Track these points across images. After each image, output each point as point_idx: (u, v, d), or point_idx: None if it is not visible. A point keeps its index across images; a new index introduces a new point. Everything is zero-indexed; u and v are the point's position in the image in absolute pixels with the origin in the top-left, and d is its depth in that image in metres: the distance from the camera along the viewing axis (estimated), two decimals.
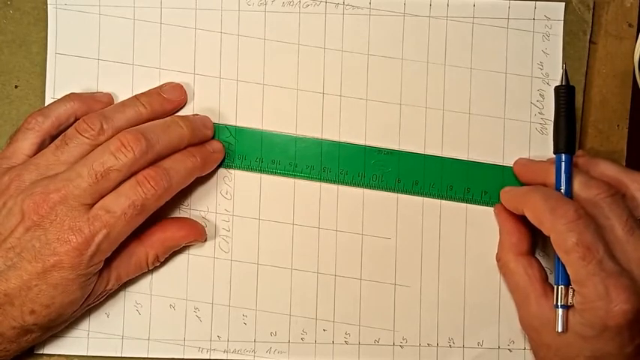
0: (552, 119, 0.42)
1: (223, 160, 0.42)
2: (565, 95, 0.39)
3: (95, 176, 0.36)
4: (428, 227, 0.42)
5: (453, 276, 0.42)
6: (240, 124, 0.42)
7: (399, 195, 0.42)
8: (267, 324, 0.42)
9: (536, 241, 0.41)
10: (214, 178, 0.42)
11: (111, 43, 0.42)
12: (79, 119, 0.39)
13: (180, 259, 0.42)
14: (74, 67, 0.42)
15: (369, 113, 0.42)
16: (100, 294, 0.39)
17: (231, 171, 0.42)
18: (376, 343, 0.42)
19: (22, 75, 0.43)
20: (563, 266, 0.36)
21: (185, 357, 0.42)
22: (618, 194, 0.36)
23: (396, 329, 0.42)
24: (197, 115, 0.41)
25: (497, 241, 0.41)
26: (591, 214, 0.36)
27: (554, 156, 0.39)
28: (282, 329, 0.42)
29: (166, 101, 0.41)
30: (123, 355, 0.42)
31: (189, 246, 0.42)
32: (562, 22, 0.42)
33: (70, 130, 0.38)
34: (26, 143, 0.39)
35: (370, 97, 0.42)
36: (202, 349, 0.42)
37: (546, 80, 0.42)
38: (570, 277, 0.35)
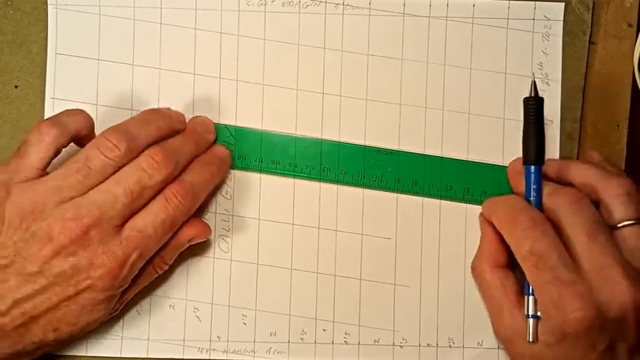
0: (552, 119, 0.42)
1: None
2: (534, 107, 0.39)
3: (131, 196, 0.36)
4: (428, 227, 0.42)
5: (453, 276, 0.42)
6: (240, 124, 0.42)
7: (399, 195, 0.42)
8: (267, 324, 0.42)
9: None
10: None
11: (111, 43, 0.42)
12: (90, 130, 0.38)
13: (180, 259, 0.42)
14: (74, 67, 0.42)
15: (369, 113, 0.42)
16: (114, 308, 0.39)
17: (231, 171, 0.42)
18: (376, 343, 0.42)
19: (22, 75, 0.43)
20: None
21: (185, 357, 0.42)
22: (583, 200, 0.36)
23: (395, 329, 0.42)
24: (199, 117, 0.41)
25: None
26: (555, 221, 0.36)
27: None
28: (281, 329, 0.42)
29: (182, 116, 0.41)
30: (122, 356, 0.42)
31: (194, 245, 0.41)
32: (562, 22, 0.42)
33: (93, 152, 0.36)
34: (38, 156, 0.37)
35: (370, 97, 0.42)
36: (202, 349, 0.42)
37: (546, 80, 0.42)
38: (530, 283, 0.36)
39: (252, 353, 0.42)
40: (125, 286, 0.37)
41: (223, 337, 0.42)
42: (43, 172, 0.37)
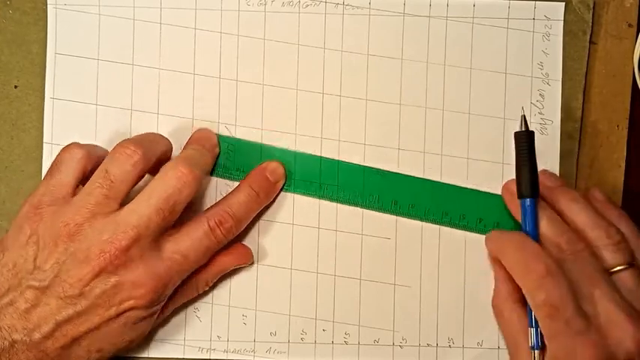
0: (552, 119, 0.42)
1: (224, 173, 0.42)
2: (525, 141, 0.39)
3: (163, 214, 0.36)
4: (428, 227, 0.42)
5: (453, 276, 0.42)
6: (240, 123, 0.42)
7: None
8: (267, 324, 0.42)
9: None
10: (214, 183, 0.42)
11: (111, 43, 0.42)
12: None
13: None
14: (74, 67, 0.42)
15: (369, 113, 0.42)
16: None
17: (231, 182, 0.42)
18: (376, 343, 0.42)
19: (22, 75, 0.43)
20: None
21: (185, 357, 0.42)
22: (585, 250, 0.37)
23: (395, 329, 0.42)
24: (202, 130, 0.41)
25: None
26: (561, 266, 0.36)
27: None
28: (281, 329, 0.42)
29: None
30: (123, 355, 0.42)
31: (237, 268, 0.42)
32: (562, 22, 0.42)
33: (111, 163, 0.36)
34: (70, 174, 0.37)
35: (370, 97, 0.42)
36: (202, 349, 0.42)
37: (546, 80, 0.42)
38: (542, 332, 0.36)
39: (252, 353, 0.42)
40: (163, 303, 0.38)
41: (223, 337, 0.42)
42: (75, 191, 0.37)
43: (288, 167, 0.42)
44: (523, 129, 0.39)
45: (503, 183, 0.41)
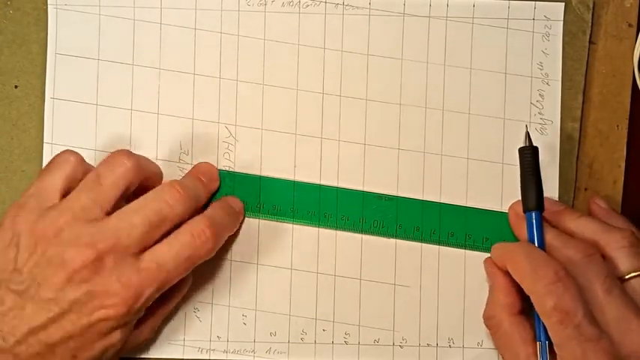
0: (552, 119, 0.42)
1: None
2: (530, 156, 0.39)
3: (149, 225, 0.35)
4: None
5: (453, 276, 0.42)
6: (240, 123, 0.42)
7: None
8: (267, 324, 0.42)
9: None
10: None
11: (111, 43, 0.42)
12: None
13: None
14: (74, 67, 0.42)
15: (369, 113, 0.42)
16: (144, 337, 0.40)
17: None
18: (376, 343, 0.42)
19: (22, 75, 0.43)
20: (544, 324, 0.36)
21: (185, 357, 0.42)
22: (596, 254, 0.36)
23: (395, 329, 0.42)
24: (202, 164, 0.41)
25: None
26: (571, 273, 0.35)
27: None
28: (281, 329, 0.42)
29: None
30: (123, 355, 0.42)
31: None
32: (562, 22, 0.42)
33: (103, 167, 0.37)
34: (60, 176, 0.37)
35: (370, 98, 0.42)
36: (202, 349, 0.42)
37: (546, 80, 0.42)
38: (551, 338, 0.35)
39: (252, 353, 0.42)
40: (139, 314, 0.36)
41: (223, 337, 0.42)
42: (63, 195, 0.37)
43: (287, 198, 0.42)
44: (527, 144, 0.39)
45: (510, 203, 0.41)
